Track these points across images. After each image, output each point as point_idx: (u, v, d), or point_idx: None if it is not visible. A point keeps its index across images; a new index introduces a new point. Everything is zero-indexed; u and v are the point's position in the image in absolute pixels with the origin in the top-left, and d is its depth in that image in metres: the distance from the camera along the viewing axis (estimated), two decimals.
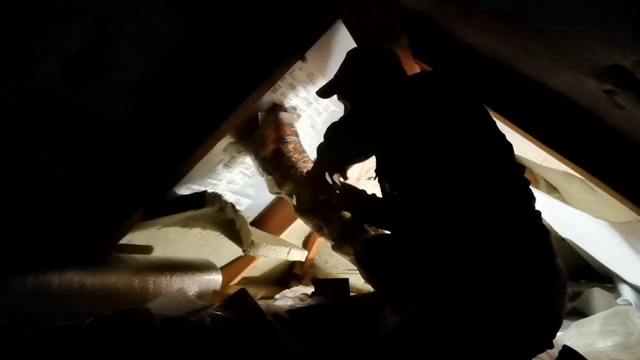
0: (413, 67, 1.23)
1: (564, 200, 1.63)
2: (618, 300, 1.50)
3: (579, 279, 1.81)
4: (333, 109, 1.45)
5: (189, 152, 0.99)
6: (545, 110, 0.92)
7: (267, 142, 1.23)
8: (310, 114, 1.43)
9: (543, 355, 1.13)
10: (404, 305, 0.85)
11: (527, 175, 1.83)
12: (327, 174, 1.07)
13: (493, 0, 0.76)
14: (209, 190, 1.09)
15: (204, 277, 1.36)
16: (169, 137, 0.97)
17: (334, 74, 1.04)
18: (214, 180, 1.29)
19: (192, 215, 1.14)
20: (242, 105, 1.00)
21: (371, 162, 1.01)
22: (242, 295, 0.91)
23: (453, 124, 0.87)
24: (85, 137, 0.86)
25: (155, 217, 1.06)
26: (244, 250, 1.21)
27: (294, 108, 1.34)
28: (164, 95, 0.92)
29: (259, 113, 1.20)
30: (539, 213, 0.80)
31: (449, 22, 0.99)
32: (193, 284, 1.29)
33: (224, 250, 1.64)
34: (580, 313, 1.62)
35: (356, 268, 1.13)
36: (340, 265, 2.44)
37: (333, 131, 1.06)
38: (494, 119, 1.02)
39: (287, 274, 2.45)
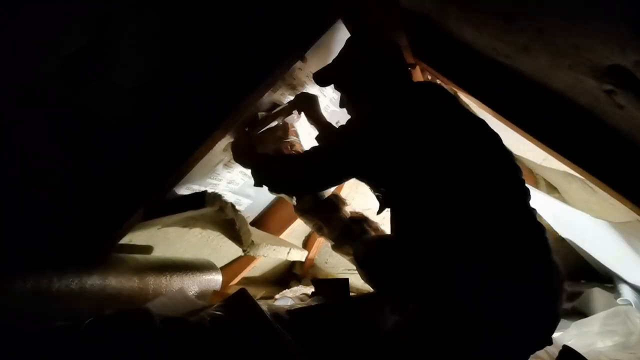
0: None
1: (564, 200, 1.64)
2: (618, 300, 1.50)
3: (579, 279, 1.81)
4: (333, 109, 1.45)
5: (189, 152, 0.99)
6: (545, 110, 0.92)
7: (267, 142, 1.23)
8: None
9: (543, 355, 1.13)
10: (404, 305, 0.85)
11: (527, 175, 1.83)
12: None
13: (493, 0, 0.76)
14: (209, 190, 1.09)
15: (204, 277, 1.36)
16: (169, 137, 0.97)
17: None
18: (214, 180, 1.29)
19: (192, 215, 1.14)
20: (242, 105, 0.99)
21: None
22: (242, 295, 0.91)
23: (453, 123, 0.87)
24: (85, 137, 0.86)
25: (155, 217, 1.06)
26: (244, 250, 1.21)
27: None
28: (164, 95, 0.92)
29: (258, 113, 1.20)
30: (535, 210, 0.81)
31: (449, 22, 0.99)
32: (193, 284, 1.29)
33: (224, 250, 1.64)
34: (580, 313, 1.62)
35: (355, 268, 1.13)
36: (340, 265, 2.44)
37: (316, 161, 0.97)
38: (494, 118, 1.02)
39: (287, 274, 2.45)
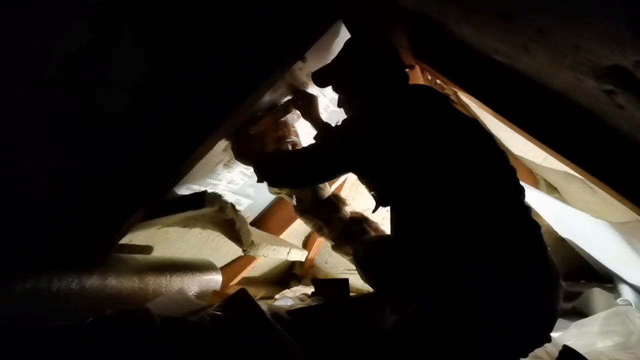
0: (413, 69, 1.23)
1: (564, 200, 1.63)
2: (618, 300, 1.51)
3: (579, 279, 1.81)
4: (333, 109, 1.45)
5: (189, 152, 0.99)
6: (545, 110, 0.92)
7: (267, 141, 1.23)
8: None
9: (543, 355, 1.14)
10: (404, 305, 0.85)
11: (527, 175, 1.83)
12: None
13: (493, 0, 0.76)
14: (209, 190, 1.09)
15: (204, 277, 1.36)
16: (169, 137, 0.97)
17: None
18: (214, 180, 1.29)
19: (192, 215, 1.14)
20: (242, 105, 0.99)
21: None
22: (242, 295, 0.91)
23: (451, 124, 0.88)
24: (85, 137, 0.86)
25: (155, 217, 1.06)
26: (244, 250, 1.21)
27: None
28: (164, 95, 0.92)
29: (259, 113, 1.20)
30: (530, 208, 0.81)
31: (449, 22, 0.99)
32: (193, 284, 1.29)
33: (224, 250, 1.64)
34: (580, 313, 1.62)
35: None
36: (340, 265, 2.44)
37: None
38: (494, 118, 1.02)
39: (287, 274, 2.45)
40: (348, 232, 1.25)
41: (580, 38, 0.64)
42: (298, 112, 1.22)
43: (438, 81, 1.36)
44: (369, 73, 1.00)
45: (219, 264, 1.59)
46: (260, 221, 1.81)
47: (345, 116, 1.12)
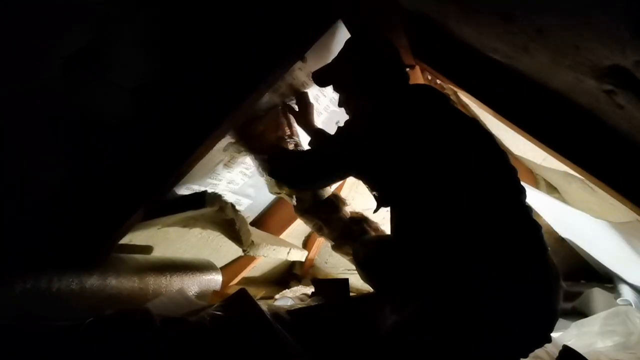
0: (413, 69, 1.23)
1: (564, 200, 1.63)
2: (618, 300, 1.51)
3: (579, 279, 1.82)
4: (333, 109, 1.45)
5: (189, 152, 0.99)
6: (545, 110, 0.92)
7: (267, 141, 1.22)
8: None
9: (542, 354, 1.14)
10: (404, 305, 0.85)
11: (527, 175, 1.83)
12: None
13: (493, 0, 0.76)
14: (209, 190, 1.09)
15: (204, 277, 1.36)
16: (169, 137, 0.97)
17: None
18: (214, 180, 1.28)
19: (192, 215, 1.14)
20: (242, 105, 0.99)
21: None
22: (242, 295, 0.91)
23: (451, 124, 0.88)
24: (85, 137, 0.86)
25: (155, 217, 1.06)
26: (244, 250, 1.21)
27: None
28: (164, 95, 0.92)
29: (260, 113, 1.20)
30: (531, 208, 0.81)
31: (449, 22, 0.99)
32: (193, 284, 1.29)
33: (224, 250, 1.64)
34: (580, 313, 1.62)
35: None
36: (340, 265, 2.44)
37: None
38: (494, 118, 1.02)
39: (287, 274, 2.45)
40: (348, 232, 1.25)
41: (580, 38, 0.64)
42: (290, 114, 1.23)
43: (438, 81, 1.36)
44: (369, 73, 1.01)
45: (219, 264, 1.59)
46: (260, 221, 1.81)
47: (346, 116, 1.12)
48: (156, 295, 1.09)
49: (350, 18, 1.11)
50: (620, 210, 1.01)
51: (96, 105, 0.83)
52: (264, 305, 0.93)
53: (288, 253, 1.50)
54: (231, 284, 1.81)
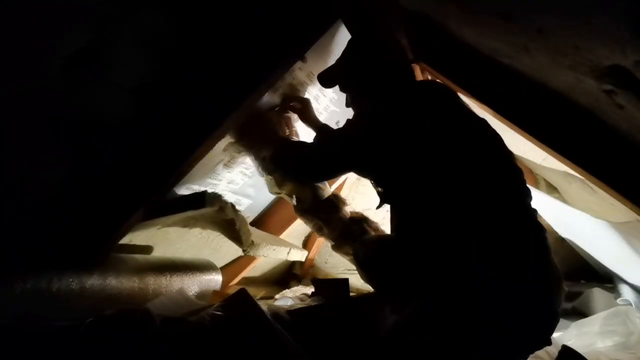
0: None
1: (564, 200, 1.64)
2: (618, 300, 1.51)
3: (579, 279, 1.82)
4: (333, 109, 1.45)
5: (189, 152, 0.99)
6: (545, 110, 0.92)
7: (267, 141, 1.22)
8: None
9: (542, 354, 1.14)
10: (404, 305, 0.85)
11: (527, 175, 1.84)
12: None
13: (493, 0, 0.76)
14: (209, 190, 1.09)
15: (204, 277, 1.36)
16: (169, 137, 0.97)
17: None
18: (214, 180, 1.28)
19: (192, 215, 1.14)
20: (242, 105, 1.00)
21: None
22: (242, 295, 0.91)
23: (454, 123, 0.88)
24: (85, 137, 0.86)
25: (155, 217, 1.06)
26: (244, 250, 1.21)
27: None
28: (164, 95, 0.92)
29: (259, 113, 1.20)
30: (535, 211, 0.81)
31: (449, 22, 0.99)
32: (193, 284, 1.29)
33: (224, 250, 1.64)
34: (580, 313, 1.62)
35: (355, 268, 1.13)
36: (340, 265, 2.44)
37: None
38: (494, 118, 1.02)
39: (287, 274, 2.45)
40: (348, 232, 1.25)
41: (580, 38, 0.64)
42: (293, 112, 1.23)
43: (438, 81, 1.36)
44: (368, 73, 1.01)
45: (219, 264, 1.59)
46: (260, 221, 1.81)
47: (346, 116, 1.12)
48: (156, 295, 1.09)
49: (350, 18, 1.11)
50: (620, 210, 1.01)
51: (96, 105, 0.83)
52: (264, 305, 0.93)
53: (288, 253, 1.50)
54: (231, 284, 1.81)
